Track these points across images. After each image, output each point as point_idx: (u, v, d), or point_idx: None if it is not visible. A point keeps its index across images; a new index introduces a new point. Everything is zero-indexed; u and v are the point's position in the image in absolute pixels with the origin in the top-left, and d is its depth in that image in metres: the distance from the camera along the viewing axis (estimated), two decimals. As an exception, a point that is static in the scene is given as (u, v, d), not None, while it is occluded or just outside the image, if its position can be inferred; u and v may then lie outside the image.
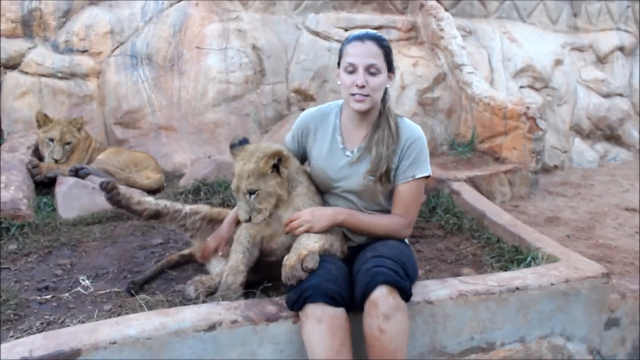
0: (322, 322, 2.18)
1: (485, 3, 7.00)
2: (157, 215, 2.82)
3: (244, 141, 2.62)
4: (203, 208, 2.95)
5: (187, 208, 2.90)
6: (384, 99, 2.56)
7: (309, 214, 2.45)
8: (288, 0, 6.07)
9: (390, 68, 2.53)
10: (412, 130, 2.57)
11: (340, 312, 2.22)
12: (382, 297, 2.19)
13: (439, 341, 2.57)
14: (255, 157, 2.44)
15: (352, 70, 2.45)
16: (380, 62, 2.46)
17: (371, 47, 2.45)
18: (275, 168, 2.45)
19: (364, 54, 2.44)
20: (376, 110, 2.56)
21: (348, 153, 2.58)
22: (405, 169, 2.52)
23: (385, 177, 2.51)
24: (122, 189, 2.76)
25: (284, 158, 2.45)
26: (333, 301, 2.20)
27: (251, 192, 2.42)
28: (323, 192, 2.68)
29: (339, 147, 2.60)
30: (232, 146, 2.58)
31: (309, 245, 2.34)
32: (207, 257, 2.81)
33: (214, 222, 2.90)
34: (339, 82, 2.54)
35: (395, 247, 2.42)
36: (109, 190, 2.70)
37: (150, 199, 2.84)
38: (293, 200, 2.54)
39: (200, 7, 5.85)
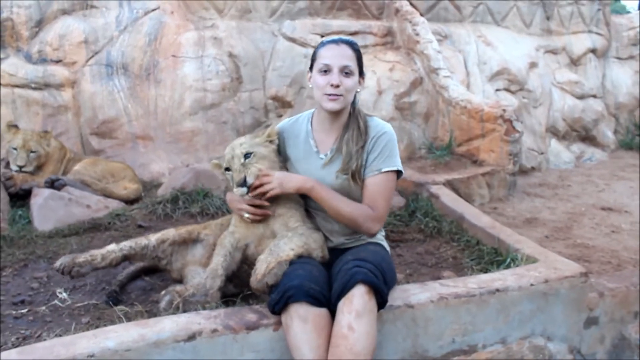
0: (307, 321, 2.17)
1: (460, 7, 7.07)
2: (125, 259, 2.81)
3: None
4: (169, 233, 2.90)
5: (153, 239, 2.86)
6: (353, 103, 2.62)
7: (279, 178, 2.52)
8: (264, 6, 6.07)
9: (361, 73, 2.61)
10: (381, 126, 2.61)
11: (323, 312, 2.22)
12: (358, 295, 2.19)
13: (421, 345, 2.56)
14: (249, 135, 2.69)
15: (326, 71, 2.50)
16: (354, 65, 2.53)
17: (346, 50, 2.53)
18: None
19: (338, 55, 2.51)
20: (346, 113, 2.62)
21: (322, 156, 2.63)
22: (371, 163, 2.55)
23: (358, 174, 2.55)
24: (79, 257, 2.69)
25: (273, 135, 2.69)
26: (316, 301, 2.19)
27: (246, 155, 2.56)
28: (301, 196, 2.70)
29: (313, 150, 2.64)
30: None
31: (283, 253, 2.36)
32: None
33: (186, 242, 2.87)
34: (310, 86, 2.60)
35: (376, 253, 2.45)
36: (68, 272, 2.65)
37: (113, 247, 2.77)
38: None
39: (176, 16, 5.82)
